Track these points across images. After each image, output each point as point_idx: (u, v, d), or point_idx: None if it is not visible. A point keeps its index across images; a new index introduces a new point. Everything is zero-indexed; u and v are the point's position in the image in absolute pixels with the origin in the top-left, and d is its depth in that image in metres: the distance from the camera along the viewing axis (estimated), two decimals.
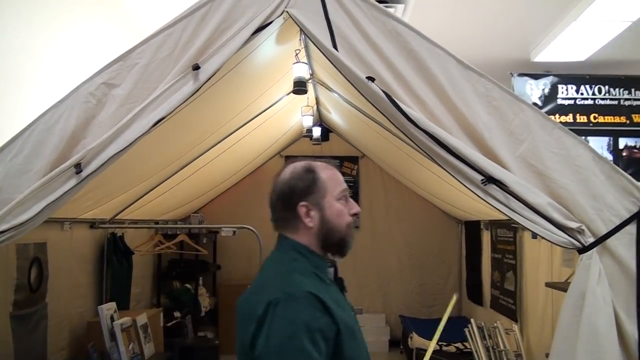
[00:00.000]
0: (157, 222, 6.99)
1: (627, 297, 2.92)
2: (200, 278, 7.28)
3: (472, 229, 7.62)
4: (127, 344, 4.74)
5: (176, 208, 7.10)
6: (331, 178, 2.05)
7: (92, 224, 5.33)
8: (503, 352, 4.99)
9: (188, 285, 7.10)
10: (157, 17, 3.87)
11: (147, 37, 2.78)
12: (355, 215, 2.03)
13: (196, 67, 2.76)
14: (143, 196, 5.43)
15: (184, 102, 2.82)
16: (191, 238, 7.08)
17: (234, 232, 5.43)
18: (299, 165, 2.02)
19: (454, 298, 4.48)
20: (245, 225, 5.25)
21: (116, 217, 5.57)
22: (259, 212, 7.93)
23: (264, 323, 1.67)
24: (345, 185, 2.08)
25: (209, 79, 2.81)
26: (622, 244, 2.94)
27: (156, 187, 5.40)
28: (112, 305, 4.95)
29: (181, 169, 5.36)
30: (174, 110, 2.81)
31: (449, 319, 5.77)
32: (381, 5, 3.02)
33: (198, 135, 4.96)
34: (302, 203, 1.92)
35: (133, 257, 6.11)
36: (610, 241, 2.95)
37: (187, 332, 6.60)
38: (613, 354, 2.77)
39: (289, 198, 1.94)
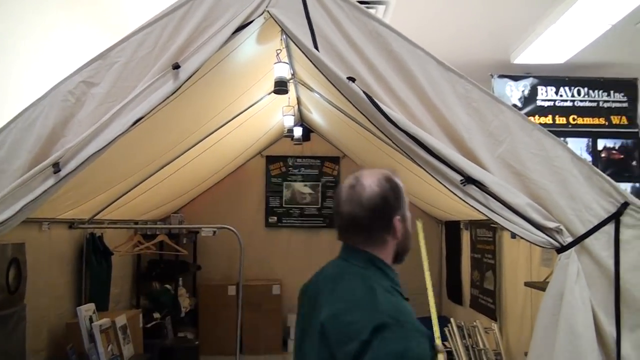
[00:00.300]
0: (136, 222, 6.94)
1: (605, 296, 2.96)
2: (180, 278, 7.24)
3: (452, 229, 7.66)
4: (106, 345, 4.71)
5: (156, 208, 7.06)
6: (404, 190, 2.02)
7: (71, 224, 5.28)
8: (482, 351, 5.03)
9: (168, 286, 7.06)
10: (137, 14, 3.84)
11: (126, 35, 2.76)
12: None
13: (176, 66, 2.74)
14: (122, 196, 5.39)
15: (164, 101, 2.80)
16: (171, 238, 7.04)
17: (214, 232, 5.41)
18: (378, 175, 1.95)
19: (419, 224, 4.37)
20: (225, 226, 5.23)
21: (95, 217, 5.52)
22: (239, 212, 8.01)
23: (370, 347, 1.60)
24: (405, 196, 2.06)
25: (189, 78, 2.79)
26: (600, 243, 2.98)
27: (136, 186, 5.36)
28: (91, 306, 4.91)
29: (161, 168, 5.32)
30: (153, 109, 2.79)
31: (428, 318, 5.79)
32: (362, 6, 3.02)
33: (178, 134, 4.94)
34: (397, 217, 1.92)
35: (112, 257, 6.06)
36: (588, 241, 2.98)
37: (167, 333, 6.56)
38: (591, 353, 2.80)
39: (384, 212, 1.90)
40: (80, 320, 4.66)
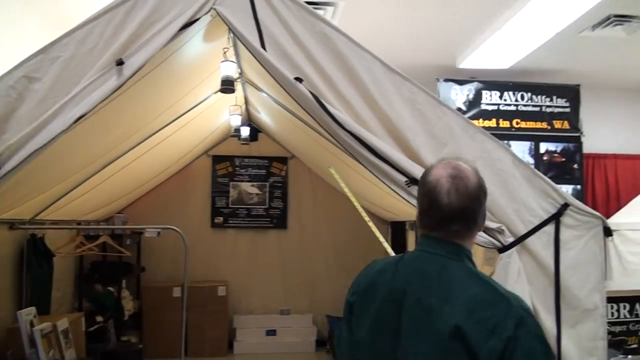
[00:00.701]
0: (79, 223, 6.77)
1: (546, 293, 3.05)
2: (124, 280, 7.10)
3: (398, 229, 7.74)
4: (48, 350, 4.57)
5: (99, 208, 6.90)
6: None
7: (12, 225, 5.11)
8: None
9: (111, 288, 6.91)
10: (80, 9, 3.75)
11: (70, 29, 2.70)
12: None
13: (120, 62, 2.69)
14: (64, 195, 5.25)
15: (107, 98, 2.75)
16: (114, 239, 6.89)
17: (159, 232, 5.33)
18: (470, 166, 1.86)
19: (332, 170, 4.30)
20: (169, 226, 5.15)
21: (36, 218, 5.36)
22: (184, 212, 7.91)
23: (518, 343, 1.60)
24: None
25: (134, 74, 2.75)
26: (540, 243, 3.07)
27: (78, 186, 5.23)
28: (32, 310, 4.76)
29: (104, 167, 5.19)
30: (96, 107, 2.74)
31: None
32: (310, 7, 3.04)
33: (122, 132, 4.83)
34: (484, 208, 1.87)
35: (54, 259, 5.89)
36: (529, 241, 3.07)
37: (110, 337, 6.42)
38: None
39: (483, 202, 1.85)
40: (20, 325, 4.50)
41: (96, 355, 5.70)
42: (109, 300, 6.74)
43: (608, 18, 5.80)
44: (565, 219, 3.08)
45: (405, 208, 5.40)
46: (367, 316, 1.89)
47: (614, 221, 6.07)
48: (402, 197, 3.00)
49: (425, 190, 1.83)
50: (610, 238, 3.29)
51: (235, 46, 4.22)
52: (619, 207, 7.20)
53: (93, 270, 7.17)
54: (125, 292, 7.07)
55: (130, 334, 7.02)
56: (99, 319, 6.39)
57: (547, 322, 3.01)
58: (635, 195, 6.95)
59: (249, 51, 2.92)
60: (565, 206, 3.10)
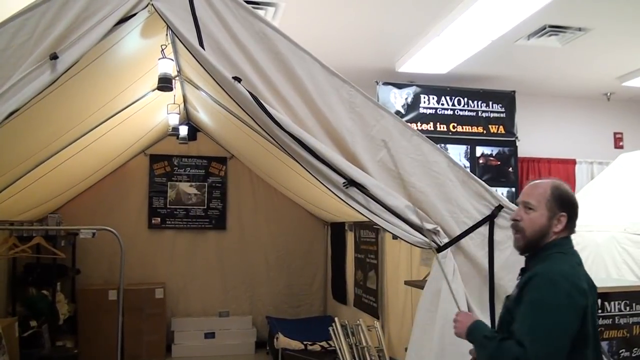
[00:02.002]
0: (12, 223, 6.54)
1: (480, 292, 3.13)
2: (58, 283, 6.90)
3: (337, 230, 7.78)
4: None
5: (32, 208, 6.68)
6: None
7: None
8: (365, 349, 5.14)
9: (45, 292, 6.69)
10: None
11: (3, 20, 2.61)
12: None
13: (54, 57, 2.62)
14: None
15: (41, 93, 2.67)
16: (48, 240, 6.68)
17: (94, 233, 5.19)
18: None
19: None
20: (105, 227, 5.03)
21: None
22: (121, 212, 7.76)
23: None
24: (522, 198, 2.43)
25: (68, 69, 2.68)
26: (475, 243, 3.14)
27: (10, 184, 5.06)
28: None
29: (38, 165, 5.04)
30: (29, 102, 2.66)
31: (313, 318, 5.78)
32: (249, 6, 3.02)
33: (56, 129, 4.70)
34: None
35: None
36: (464, 241, 3.14)
37: (44, 342, 6.23)
38: (467, 346, 2.92)
39: None
40: None
41: None
42: (43, 304, 6.54)
43: (543, 28, 5.97)
44: (499, 220, 3.16)
45: (345, 209, 5.44)
46: (591, 314, 2.23)
47: None
48: (340, 198, 3.02)
49: (575, 201, 2.43)
50: None
51: (173, 43, 4.17)
52: None
53: (26, 273, 6.94)
54: (60, 296, 6.87)
55: (65, 339, 6.83)
56: (33, 323, 6.18)
57: (482, 319, 3.07)
58: None
59: (187, 49, 2.88)
60: (499, 208, 3.18)
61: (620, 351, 3.70)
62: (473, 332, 2.32)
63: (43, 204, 6.84)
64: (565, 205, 2.37)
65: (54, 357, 6.15)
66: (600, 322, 3.65)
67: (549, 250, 2.33)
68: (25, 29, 2.62)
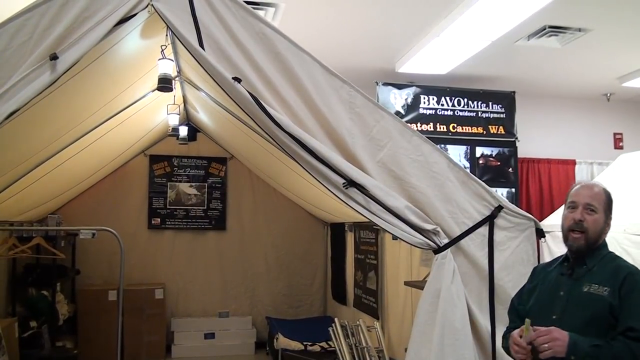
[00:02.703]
0: (11, 224, 6.54)
1: (480, 293, 3.13)
2: (58, 284, 6.90)
3: (337, 230, 7.78)
4: None
5: (32, 208, 6.68)
6: (572, 192, 2.64)
7: None
8: (365, 349, 5.13)
9: (45, 292, 6.69)
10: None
11: (3, 21, 2.60)
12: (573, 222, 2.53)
13: (54, 57, 2.61)
14: None
15: (40, 94, 2.67)
16: (48, 241, 6.68)
17: (93, 234, 5.17)
18: None
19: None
20: (105, 227, 5.03)
21: None
22: (120, 213, 7.75)
23: None
24: (573, 198, 2.60)
25: (68, 70, 2.68)
26: (474, 244, 3.14)
27: (11, 185, 5.06)
28: None
29: (38, 165, 5.04)
30: (29, 103, 2.65)
31: (313, 318, 5.77)
32: (249, 7, 3.01)
33: (56, 130, 4.70)
34: None
35: None
36: (463, 242, 3.14)
37: (44, 343, 6.22)
38: (468, 346, 2.94)
39: None
40: None
41: None
42: (43, 305, 6.53)
43: (543, 29, 5.96)
44: (499, 221, 3.16)
45: (345, 209, 5.44)
46: None
47: (547, 223, 6.24)
48: (340, 198, 3.02)
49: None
50: (543, 239, 3.39)
51: (173, 44, 4.17)
52: (552, 210, 7.40)
53: (26, 274, 6.94)
54: (59, 296, 6.87)
55: (65, 339, 6.82)
56: (33, 324, 6.18)
57: (482, 321, 3.08)
58: None
59: (187, 49, 2.88)
60: (499, 208, 3.18)
61: None
62: (577, 346, 2.23)
63: (43, 204, 6.84)
64: (612, 210, 2.61)
65: (53, 358, 6.15)
66: None
67: (603, 250, 2.57)
68: (25, 30, 2.61)
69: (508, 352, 2.56)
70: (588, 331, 2.31)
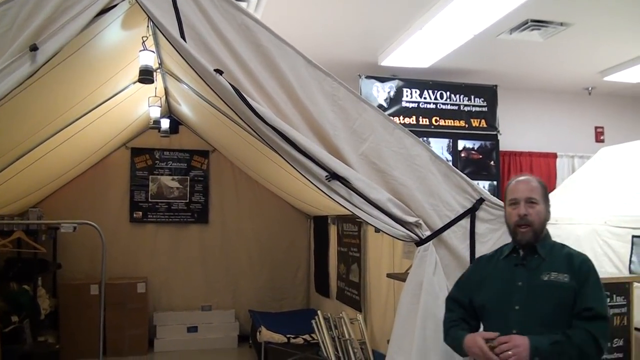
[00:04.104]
0: None
1: None
2: (40, 278, 6.83)
3: (320, 223, 7.78)
4: None
5: (12, 202, 6.61)
6: (509, 188, 2.73)
7: None
8: (348, 341, 5.14)
9: (26, 287, 6.62)
10: None
11: None
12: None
13: (34, 48, 2.58)
14: None
15: (20, 85, 2.63)
16: (29, 235, 6.62)
17: (75, 227, 5.14)
18: None
19: None
20: (86, 221, 5.00)
21: None
22: (102, 206, 7.70)
23: None
24: (513, 195, 2.68)
25: (48, 61, 2.64)
26: (456, 236, 3.16)
27: None
28: None
29: (17, 159, 4.99)
30: (8, 95, 2.62)
31: (296, 311, 5.75)
32: None
33: (36, 122, 4.64)
34: None
35: None
36: (445, 234, 3.16)
37: (26, 338, 6.17)
38: None
39: None
40: None
41: (12, 357, 5.48)
42: (24, 299, 6.47)
43: (525, 22, 6.00)
44: (480, 213, 3.18)
45: (328, 202, 5.45)
46: None
47: None
48: (322, 191, 3.01)
49: None
50: None
51: (154, 35, 4.13)
52: None
53: (7, 268, 6.86)
54: (41, 291, 6.81)
55: (47, 334, 6.76)
56: (14, 319, 6.12)
57: None
58: (550, 191, 7.20)
59: (168, 41, 2.85)
60: (481, 201, 3.20)
61: None
62: (538, 348, 2.33)
63: (23, 197, 6.77)
64: (549, 198, 2.69)
65: (35, 353, 6.09)
66: None
67: (549, 239, 2.67)
68: (5, 20, 2.58)
69: (455, 348, 2.67)
70: (555, 319, 2.43)
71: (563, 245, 2.67)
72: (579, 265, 2.51)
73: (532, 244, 2.59)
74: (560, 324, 2.41)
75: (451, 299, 2.83)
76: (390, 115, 6.26)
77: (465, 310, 2.73)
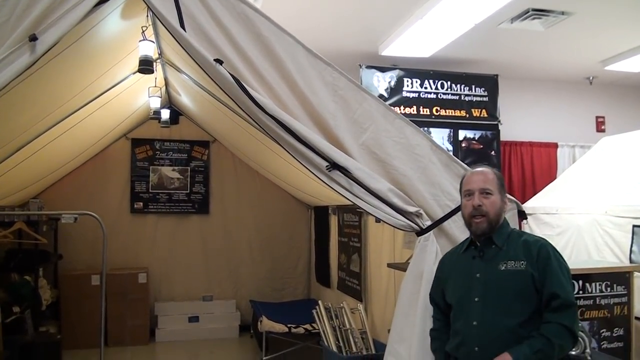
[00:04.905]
0: None
1: None
2: (41, 269, 6.84)
3: (321, 214, 7.78)
4: None
5: (13, 193, 6.61)
6: (465, 180, 2.73)
7: None
8: (349, 331, 5.15)
9: (27, 277, 6.63)
10: None
11: None
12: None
13: (33, 38, 2.57)
14: None
15: (20, 76, 2.62)
16: (30, 226, 6.62)
17: (75, 218, 5.13)
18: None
19: None
20: (87, 212, 4.99)
21: None
22: (103, 197, 7.69)
23: None
24: (467, 186, 2.67)
25: (47, 51, 2.63)
26: (457, 226, 3.16)
27: None
28: None
29: (18, 150, 4.98)
30: (8, 85, 2.61)
31: (297, 301, 5.76)
32: None
33: (36, 113, 4.63)
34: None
35: None
36: (446, 224, 3.15)
37: (27, 328, 6.18)
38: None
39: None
40: None
41: (14, 347, 5.49)
42: (25, 290, 6.48)
43: (527, 11, 5.97)
44: None
45: (329, 193, 5.44)
46: None
47: (529, 205, 6.30)
48: (323, 181, 3.01)
49: None
50: (525, 221, 3.42)
51: (154, 25, 4.11)
52: (534, 193, 7.47)
53: (8, 259, 6.87)
54: (42, 281, 6.82)
55: (48, 325, 6.77)
56: (16, 309, 6.12)
57: None
58: (550, 181, 7.22)
59: (168, 30, 2.84)
60: None
61: (602, 331, 3.76)
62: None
63: (24, 189, 6.77)
64: (505, 188, 2.72)
65: (37, 343, 6.10)
66: (582, 302, 3.70)
67: (506, 228, 2.67)
68: (4, 10, 2.57)
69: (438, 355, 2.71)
70: (514, 308, 2.44)
71: (521, 233, 2.69)
72: (537, 251, 2.50)
73: (487, 234, 2.60)
74: (519, 312, 2.42)
75: (432, 298, 2.87)
76: (390, 105, 6.24)
77: (442, 312, 2.78)
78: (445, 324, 2.73)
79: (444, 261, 2.85)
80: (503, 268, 2.50)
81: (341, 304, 5.41)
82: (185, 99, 7.06)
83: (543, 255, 2.48)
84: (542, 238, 2.60)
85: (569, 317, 2.37)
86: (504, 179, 7.61)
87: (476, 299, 2.51)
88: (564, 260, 2.51)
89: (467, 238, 2.75)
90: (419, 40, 6.69)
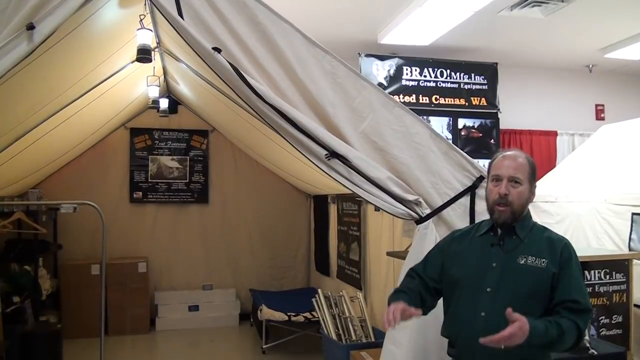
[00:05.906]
0: None
1: None
2: (40, 259, 6.85)
3: (320, 202, 7.79)
4: None
5: (12, 183, 6.61)
6: (495, 162, 2.56)
7: None
8: (348, 319, 5.18)
9: (27, 267, 6.65)
10: None
11: None
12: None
13: (30, 27, 2.55)
14: None
15: (17, 65, 2.61)
16: (29, 216, 6.61)
17: (75, 208, 5.13)
18: None
19: None
20: (86, 201, 4.99)
21: None
22: (102, 187, 7.69)
23: None
24: (496, 171, 2.51)
25: (45, 40, 2.62)
26: (456, 214, 3.16)
27: None
28: None
29: (16, 140, 4.97)
30: (5, 75, 2.60)
31: (297, 290, 5.76)
32: None
33: (34, 103, 4.62)
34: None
35: None
36: (445, 212, 3.15)
37: (27, 318, 6.19)
38: None
39: None
40: None
41: (14, 337, 5.50)
42: (25, 280, 6.49)
43: None
44: (480, 191, 3.18)
45: (328, 181, 5.45)
46: None
47: None
48: (322, 170, 3.01)
49: None
50: None
51: (152, 13, 4.09)
52: None
53: (8, 249, 6.88)
54: (42, 271, 6.83)
55: (48, 314, 6.79)
56: (16, 299, 6.13)
57: None
58: (550, 169, 7.22)
59: (166, 19, 2.82)
60: (481, 179, 3.19)
61: (600, 318, 3.77)
62: (533, 335, 2.14)
63: (23, 179, 6.77)
64: (536, 178, 2.57)
65: (37, 333, 6.11)
66: None
67: (529, 220, 2.54)
68: None
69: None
70: (529, 304, 2.31)
71: (545, 228, 2.56)
72: (560, 250, 2.40)
73: (509, 224, 2.48)
74: (530, 310, 2.26)
75: (414, 270, 2.72)
76: (390, 93, 6.23)
77: (424, 284, 2.62)
78: (424, 288, 2.59)
79: (453, 237, 2.68)
80: (522, 262, 2.40)
81: (341, 293, 5.43)
82: (183, 88, 7.04)
83: (565, 256, 2.38)
84: (563, 237, 2.50)
85: (584, 321, 2.29)
86: None
87: (488, 289, 2.40)
88: (578, 260, 2.43)
89: (482, 221, 2.65)
90: (418, 28, 6.67)
